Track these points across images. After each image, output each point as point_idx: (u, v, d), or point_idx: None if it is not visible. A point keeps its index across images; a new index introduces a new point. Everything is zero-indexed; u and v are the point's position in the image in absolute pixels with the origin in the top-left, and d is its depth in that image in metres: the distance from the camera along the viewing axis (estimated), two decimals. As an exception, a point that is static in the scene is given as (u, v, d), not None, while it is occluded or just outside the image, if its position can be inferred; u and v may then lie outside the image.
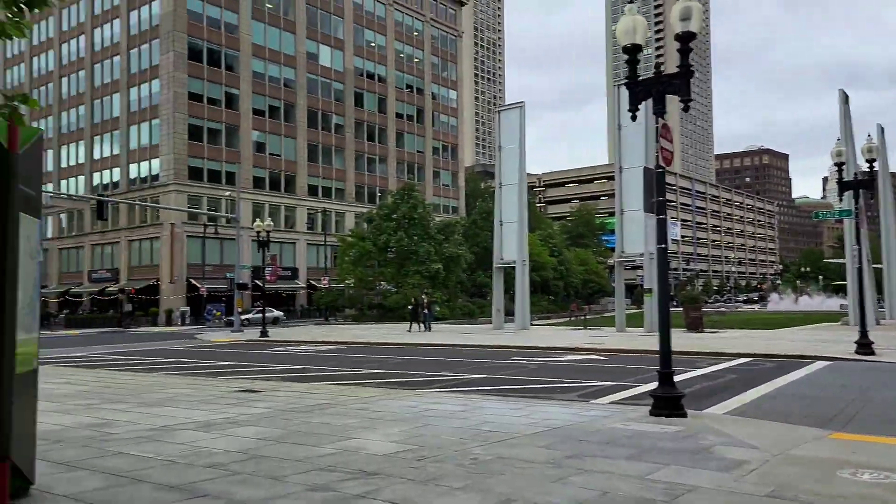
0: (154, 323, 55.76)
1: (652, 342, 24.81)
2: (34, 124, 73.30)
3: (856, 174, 19.58)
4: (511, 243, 34.72)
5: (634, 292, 76.99)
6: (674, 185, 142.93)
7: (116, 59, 65.41)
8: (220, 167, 62.41)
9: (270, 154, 67.58)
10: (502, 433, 8.17)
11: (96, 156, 66.90)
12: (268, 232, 33.94)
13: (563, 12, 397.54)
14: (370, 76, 78.88)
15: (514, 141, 34.94)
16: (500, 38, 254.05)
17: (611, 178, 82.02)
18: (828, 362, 18.04)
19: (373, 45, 79.64)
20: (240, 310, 40.01)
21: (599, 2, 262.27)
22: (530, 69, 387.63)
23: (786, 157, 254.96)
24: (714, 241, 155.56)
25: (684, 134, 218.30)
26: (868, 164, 18.58)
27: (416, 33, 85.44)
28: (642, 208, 9.79)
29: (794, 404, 11.16)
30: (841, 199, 18.90)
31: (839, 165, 18.83)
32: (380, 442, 7.68)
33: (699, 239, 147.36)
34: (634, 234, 31.85)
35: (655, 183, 9.74)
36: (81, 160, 68.15)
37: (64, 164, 70.02)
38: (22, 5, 4.87)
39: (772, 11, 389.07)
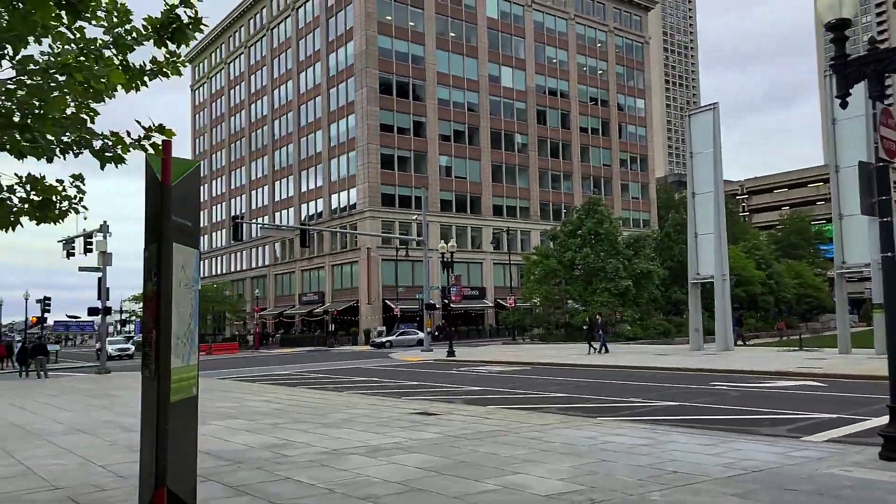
0: (354, 342, 59.37)
1: (884, 367, 21.26)
2: (253, 164, 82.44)
3: None
4: (707, 256, 32.03)
5: (862, 308, 67.94)
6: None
7: (318, 99, 71.48)
8: (409, 192, 65.33)
9: (456, 177, 69.52)
10: (688, 475, 7.12)
11: (303, 189, 73.35)
12: (451, 253, 34.57)
13: (763, 4, 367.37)
14: (552, 93, 78.44)
15: (708, 146, 32.34)
16: (691, 40, 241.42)
17: (826, 181, 73.75)
18: None
19: (554, 61, 79.23)
20: (429, 329, 41.15)
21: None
22: (727, 70, 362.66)
23: None
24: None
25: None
26: None
27: (599, 44, 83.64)
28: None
29: None
30: None
31: None
32: (546, 479, 7.03)
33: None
34: (856, 241, 27.81)
35: (875, 180, 8.11)
36: (291, 193, 75.11)
37: (277, 199, 77.67)
38: (168, 41, 5.04)
39: None
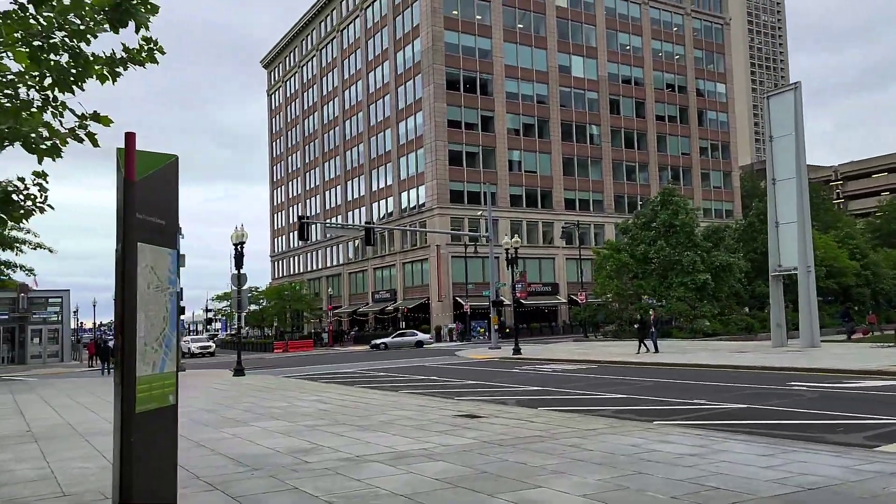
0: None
1: None
2: (326, 165, 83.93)
3: None
4: (790, 247, 29.99)
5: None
6: None
7: (387, 97, 71.95)
8: (478, 188, 64.76)
9: (526, 171, 68.45)
10: (730, 492, 6.33)
11: (374, 188, 74.07)
12: (516, 248, 33.81)
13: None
14: (626, 80, 76.03)
15: (789, 128, 30.19)
16: (779, 19, 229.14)
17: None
18: None
19: (628, 47, 76.76)
20: (496, 327, 40.54)
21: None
22: (819, 50, 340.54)
23: None
24: None
25: None
26: None
27: (675, 28, 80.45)
28: None
29: None
30: None
31: None
32: (565, 495, 6.40)
33: None
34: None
35: None
36: (363, 193, 76.01)
37: (349, 198, 78.80)
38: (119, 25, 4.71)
39: None
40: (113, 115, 4.94)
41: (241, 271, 25.83)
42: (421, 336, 50.70)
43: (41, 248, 24.88)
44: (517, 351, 33.02)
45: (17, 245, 24.64)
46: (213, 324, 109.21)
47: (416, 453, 8.68)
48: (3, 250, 24.98)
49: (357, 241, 75.06)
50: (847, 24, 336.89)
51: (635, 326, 31.46)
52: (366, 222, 40.57)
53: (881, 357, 22.73)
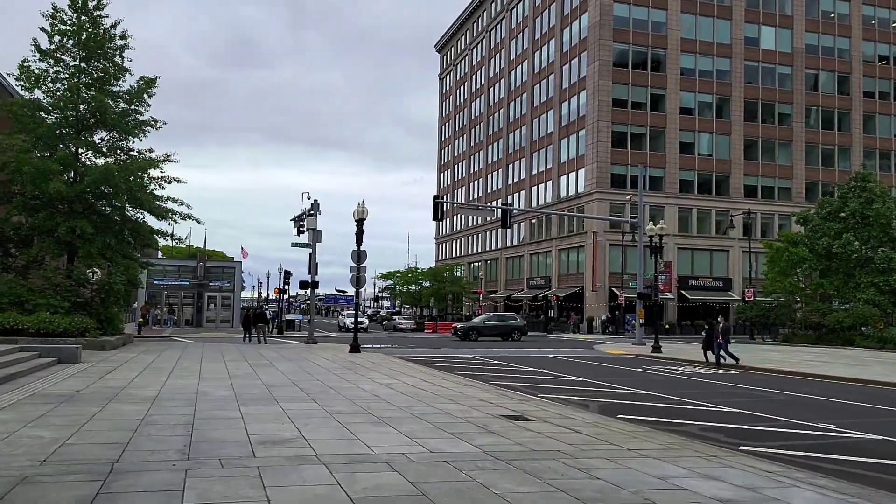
0: (576, 330, 56.99)
1: None
2: (490, 147, 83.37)
3: None
4: None
5: None
6: None
7: (551, 77, 69.60)
8: (644, 172, 60.54)
9: (699, 154, 62.83)
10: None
11: (534, 171, 72.30)
12: (661, 236, 30.65)
13: None
14: (827, 52, 66.89)
15: None
16: None
17: None
18: None
19: (832, 14, 67.45)
20: (641, 321, 37.41)
21: None
22: None
23: None
24: None
25: None
26: None
27: (892, -10, 69.32)
28: None
29: None
30: None
31: None
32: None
33: None
34: None
35: None
36: (523, 176, 74.55)
37: (510, 181, 77.72)
38: None
39: None
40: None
41: (362, 248, 25.84)
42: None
43: (190, 218, 26.62)
44: (657, 349, 30.11)
45: (171, 215, 26.56)
46: (379, 301, 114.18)
47: (388, 458, 7.45)
48: (158, 219, 27.05)
49: (520, 226, 73.83)
50: None
51: (702, 333, 26.12)
52: (504, 204, 39.13)
53: None
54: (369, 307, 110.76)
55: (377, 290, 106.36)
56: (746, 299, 48.83)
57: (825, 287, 39.11)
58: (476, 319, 46.42)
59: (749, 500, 6.30)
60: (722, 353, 23.52)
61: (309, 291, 33.42)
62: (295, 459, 7.08)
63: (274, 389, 13.44)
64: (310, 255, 32.00)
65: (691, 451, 8.56)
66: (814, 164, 65.98)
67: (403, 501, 5.64)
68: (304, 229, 32.33)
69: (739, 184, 63.41)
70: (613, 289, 57.58)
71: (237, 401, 11.74)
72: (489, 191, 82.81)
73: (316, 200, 31.68)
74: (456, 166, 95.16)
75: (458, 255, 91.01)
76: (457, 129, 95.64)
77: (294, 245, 34.15)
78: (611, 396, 15.37)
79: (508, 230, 72.85)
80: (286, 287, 50.82)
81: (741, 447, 9.44)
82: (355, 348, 25.32)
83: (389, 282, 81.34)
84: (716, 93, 63.64)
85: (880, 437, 10.77)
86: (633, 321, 53.64)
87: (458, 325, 43.90)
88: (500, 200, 76.29)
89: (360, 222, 25.79)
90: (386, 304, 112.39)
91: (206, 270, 49.53)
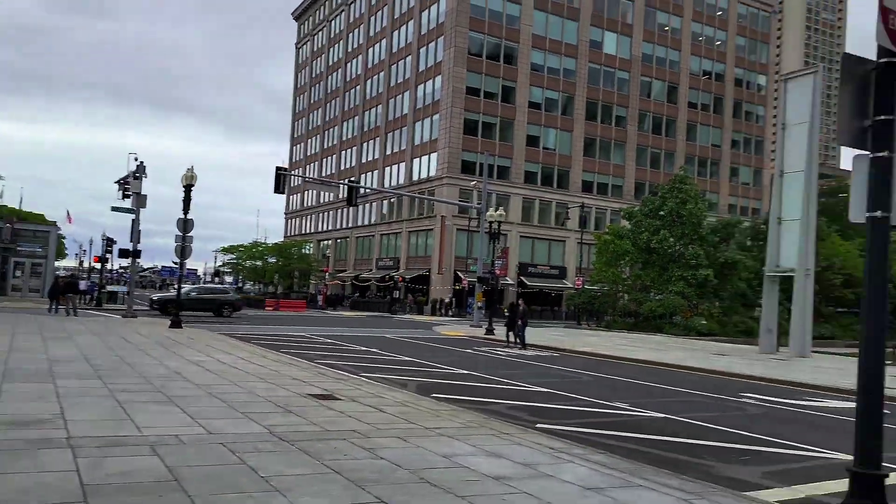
0: (420, 311, 57.76)
1: None
2: (345, 124, 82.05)
3: None
4: (790, 247, 27.38)
5: None
6: None
7: (409, 58, 69.54)
8: (492, 161, 62.43)
9: (545, 148, 65.75)
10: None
11: (388, 151, 72.10)
12: (499, 222, 31.65)
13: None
14: (661, 62, 72.32)
15: (804, 116, 27.34)
16: (839, 18, 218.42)
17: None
18: None
19: (666, 28, 72.93)
20: (480, 304, 38.58)
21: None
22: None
23: None
24: None
25: None
26: None
27: (719, 13, 76.21)
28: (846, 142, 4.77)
29: None
30: None
31: None
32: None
33: None
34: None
35: (875, 85, 4.94)
36: (377, 156, 74.11)
37: (364, 160, 77.00)
38: None
39: None
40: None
41: (188, 216, 24.25)
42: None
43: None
44: (490, 331, 31.14)
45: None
46: (219, 276, 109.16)
47: (155, 440, 6.87)
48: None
49: (371, 206, 73.30)
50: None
51: (506, 314, 27.91)
52: (350, 180, 38.54)
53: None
54: (210, 282, 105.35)
55: (218, 263, 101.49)
56: (577, 287, 51.87)
57: (643, 279, 42.47)
58: (184, 290, 40.03)
59: (523, 475, 6.46)
60: (521, 334, 24.96)
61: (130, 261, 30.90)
62: (38, 443, 6.32)
63: (58, 365, 12.14)
64: (133, 221, 29.59)
65: (487, 430, 8.73)
66: (643, 165, 71.30)
67: (148, 488, 5.15)
68: (129, 193, 29.81)
69: (578, 179, 67.14)
70: (458, 272, 58.95)
71: (2, 377, 10.44)
72: (342, 168, 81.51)
73: (142, 162, 29.28)
74: (310, 140, 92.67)
75: (308, 231, 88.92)
76: (312, 101, 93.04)
77: (114, 209, 31.38)
78: (433, 376, 15.53)
79: (360, 209, 72.18)
80: (107, 256, 46.80)
81: (538, 425, 9.81)
82: (176, 323, 23.78)
83: (232, 256, 77.72)
84: (562, 90, 66.73)
85: (664, 416, 11.66)
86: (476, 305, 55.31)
87: (156, 297, 39.48)
88: (352, 179, 75.32)
89: (187, 189, 24.17)
90: (229, 279, 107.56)
91: (13, 233, 44.45)
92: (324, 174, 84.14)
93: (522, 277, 62.80)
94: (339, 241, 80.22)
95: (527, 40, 64.79)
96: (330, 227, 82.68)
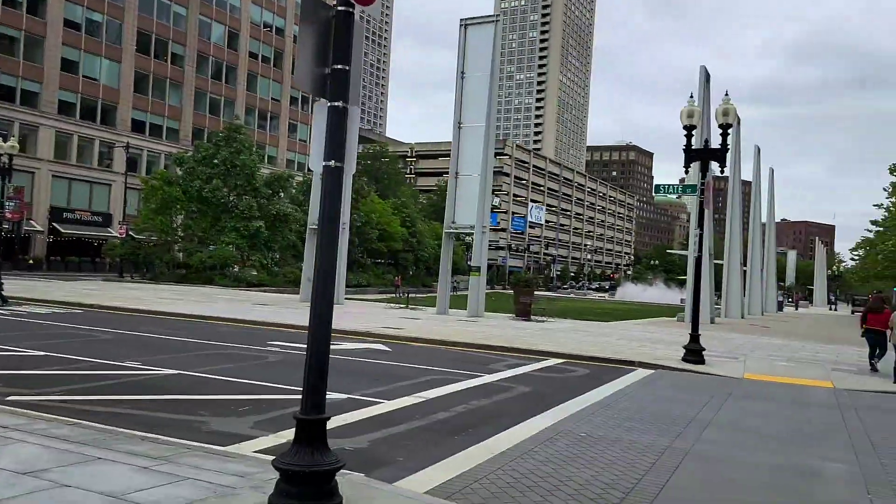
0: None
1: (468, 330, 20.74)
2: None
3: (706, 141, 16.10)
4: (469, 206, 27.53)
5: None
6: (543, 170, 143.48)
7: None
8: (14, 83, 52.15)
9: (86, 77, 57.60)
10: None
11: None
12: (10, 156, 26.31)
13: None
14: (220, 4, 69.82)
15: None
16: (386, 19, 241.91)
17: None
18: (649, 371, 14.49)
19: (228, -29, 70.58)
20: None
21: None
22: (429, 47, 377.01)
23: (651, 155, 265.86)
24: (576, 228, 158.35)
25: (560, 122, 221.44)
26: (722, 133, 15.00)
27: (282, -32, 77.00)
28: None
29: (568, 466, 6.79)
30: (686, 170, 15.45)
31: (689, 129, 15.14)
32: None
33: (562, 225, 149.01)
34: (468, 202, 27.59)
35: (334, 32, 4.93)
36: None
37: None
38: None
39: (647, 21, 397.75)
40: None
41: None
42: None
43: None
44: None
45: None
46: None
47: None
48: None
49: None
50: (447, 26, 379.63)
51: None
52: None
53: (382, 318, 23.14)
54: None
55: None
56: (120, 236, 47.28)
57: (194, 229, 40.97)
58: None
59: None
60: None
61: None
62: None
63: None
64: None
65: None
66: (202, 110, 68.51)
67: None
68: None
69: (128, 116, 60.90)
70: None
71: None
72: None
73: None
74: None
75: None
76: None
77: None
78: None
79: None
80: None
81: (10, 397, 8.17)
82: None
83: None
84: (108, 14, 59.10)
85: (178, 373, 11.03)
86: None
87: None
88: None
89: None
90: None
91: None
92: None
93: (55, 224, 54.60)
94: None
95: (64, -54, 55.27)
96: None
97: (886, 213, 46.00)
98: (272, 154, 73.52)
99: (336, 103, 4.83)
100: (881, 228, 49.58)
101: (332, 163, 4.83)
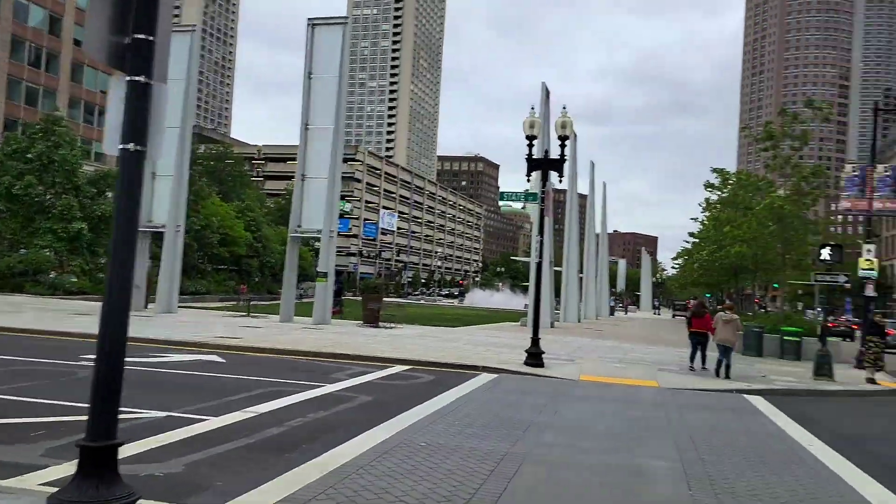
0: None
1: (311, 338, 19.96)
2: None
3: (546, 152, 16.72)
4: (163, 201, 27.30)
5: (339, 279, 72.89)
6: (395, 177, 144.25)
7: None
8: None
9: None
10: None
11: None
12: None
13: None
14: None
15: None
16: (233, 20, 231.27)
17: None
18: (493, 375, 14.64)
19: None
20: None
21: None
22: (280, 50, 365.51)
23: (497, 167, 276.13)
24: (427, 235, 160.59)
25: (412, 130, 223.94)
26: (560, 144, 15.56)
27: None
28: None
29: (406, 479, 6.46)
30: (528, 179, 15.92)
31: (531, 139, 15.55)
32: None
33: (413, 232, 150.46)
34: (316, 205, 26.83)
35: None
36: None
37: None
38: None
39: (494, 38, 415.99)
40: None
41: None
42: None
43: None
44: None
45: None
46: None
47: None
48: None
49: None
50: (296, 26, 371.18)
51: None
52: None
53: (219, 327, 21.73)
54: None
55: None
56: None
57: (2, 231, 36.35)
58: None
59: None
60: None
61: None
62: None
63: None
64: None
65: None
66: (17, 100, 61.58)
67: None
68: None
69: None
70: None
71: None
72: None
73: None
74: None
75: None
76: None
77: None
78: None
79: None
80: None
81: None
82: None
83: None
84: None
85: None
86: None
87: None
88: None
89: None
90: None
91: None
92: None
93: None
94: None
95: None
96: None
97: (701, 226, 50.70)
98: (99, 150, 67.51)
99: (137, 77, 4.16)
100: (697, 240, 54.64)
101: (130, 146, 4.15)
